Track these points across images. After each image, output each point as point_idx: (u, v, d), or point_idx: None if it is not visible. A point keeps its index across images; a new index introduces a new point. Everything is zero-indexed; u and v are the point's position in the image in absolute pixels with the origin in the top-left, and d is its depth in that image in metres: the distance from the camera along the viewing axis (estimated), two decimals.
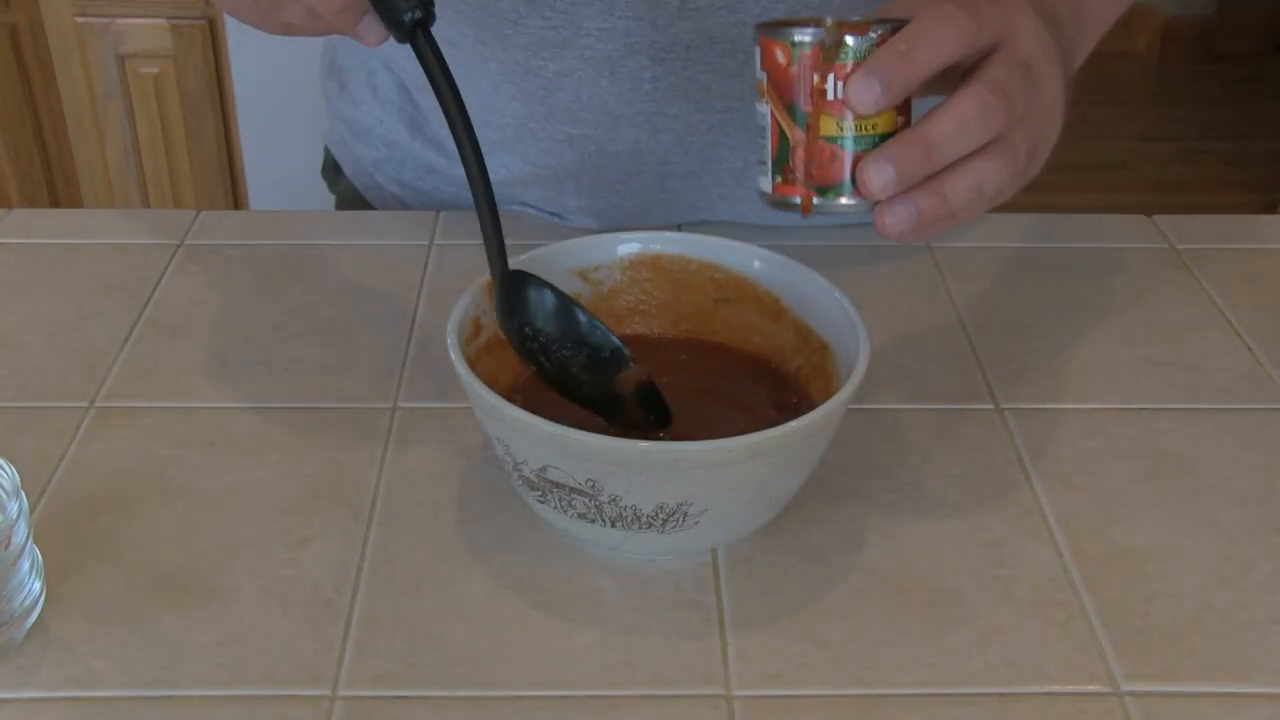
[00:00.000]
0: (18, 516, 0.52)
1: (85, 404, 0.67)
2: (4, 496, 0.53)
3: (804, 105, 0.53)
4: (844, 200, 0.53)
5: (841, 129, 0.52)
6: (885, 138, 0.53)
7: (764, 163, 0.55)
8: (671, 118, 0.76)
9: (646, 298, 0.65)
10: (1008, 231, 0.84)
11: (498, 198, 0.60)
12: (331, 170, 0.95)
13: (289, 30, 0.60)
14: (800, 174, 0.54)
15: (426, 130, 0.85)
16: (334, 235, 0.82)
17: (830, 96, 0.52)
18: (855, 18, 0.54)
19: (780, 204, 0.55)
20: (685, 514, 0.53)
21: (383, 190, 0.90)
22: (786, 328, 0.63)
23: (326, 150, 0.95)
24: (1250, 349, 0.73)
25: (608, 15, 0.71)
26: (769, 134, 0.54)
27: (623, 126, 0.76)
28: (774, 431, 0.52)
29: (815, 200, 0.54)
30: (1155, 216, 0.86)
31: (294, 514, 0.60)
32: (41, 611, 0.54)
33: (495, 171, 0.79)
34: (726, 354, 0.64)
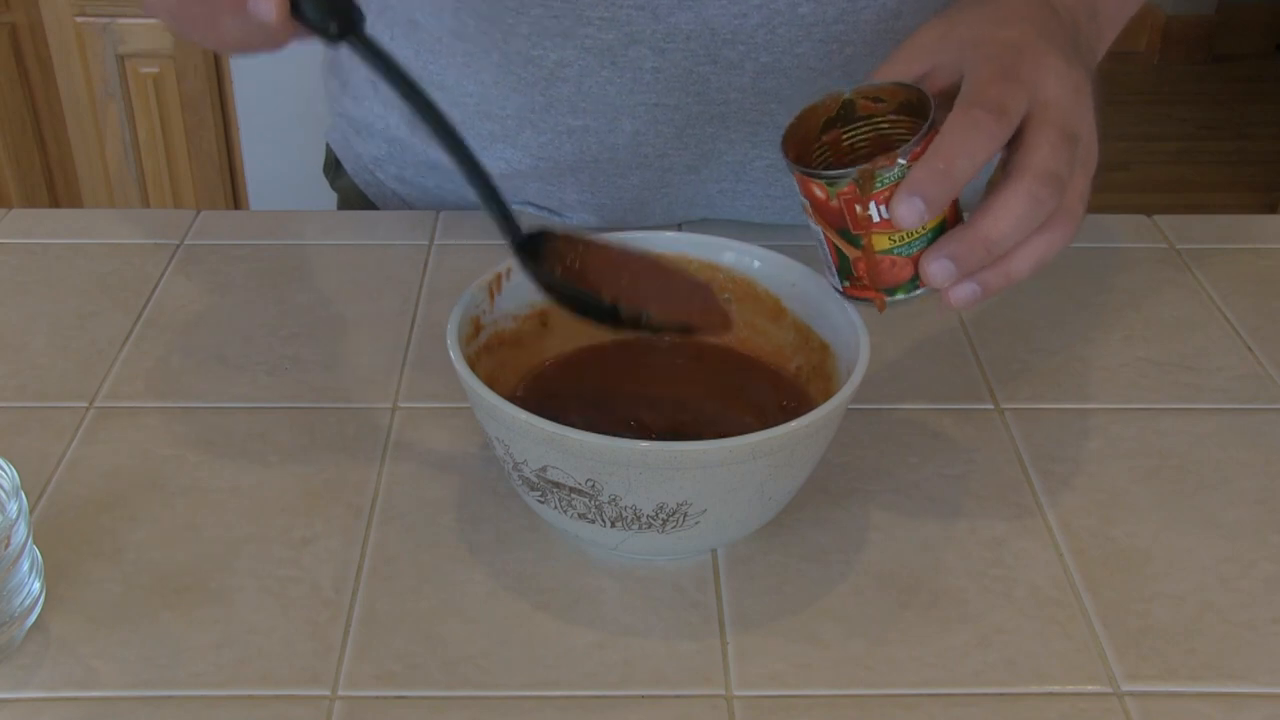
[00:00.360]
0: (18, 516, 0.52)
1: (85, 404, 0.67)
2: (4, 496, 0.53)
3: (853, 229, 0.55)
4: (917, 294, 0.56)
5: (894, 240, 0.54)
6: (941, 228, 0.55)
7: (829, 268, 0.57)
8: (671, 109, 0.76)
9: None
10: None
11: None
12: (333, 167, 0.95)
13: (223, 47, 0.62)
14: (867, 280, 0.56)
15: None
16: (334, 235, 0.82)
17: (877, 220, 0.54)
18: (873, 85, 0.57)
19: (855, 302, 0.58)
20: (685, 514, 0.53)
21: (384, 187, 0.90)
22: (786, 328, 0.63)
23: (328, 147, 0.95)
24: (1250, 349, 0.73)
25: (609, 4, 0.71)
26: (826, 248, 0.57)
27: (622, 118, 0.76)
28: (774, 431, 0.52)
29: (887, 299, 0.56)
30: (1155, 216, 0.86)
31: (294, 514, 0.60)
32: (41, 611, 0.54)
33: (495, 165, 0.79)
34: (726, 355, 0.64)
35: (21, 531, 0.52)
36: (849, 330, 0.58)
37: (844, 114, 0.58)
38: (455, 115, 0.67)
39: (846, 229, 0.55)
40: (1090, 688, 0.53)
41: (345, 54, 0.88)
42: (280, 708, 0.51)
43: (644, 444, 0.51)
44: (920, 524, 0.60)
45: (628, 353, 0.64)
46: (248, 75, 1.91)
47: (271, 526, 0.59)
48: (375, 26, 0.68)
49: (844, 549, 0.59)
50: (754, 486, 0.54)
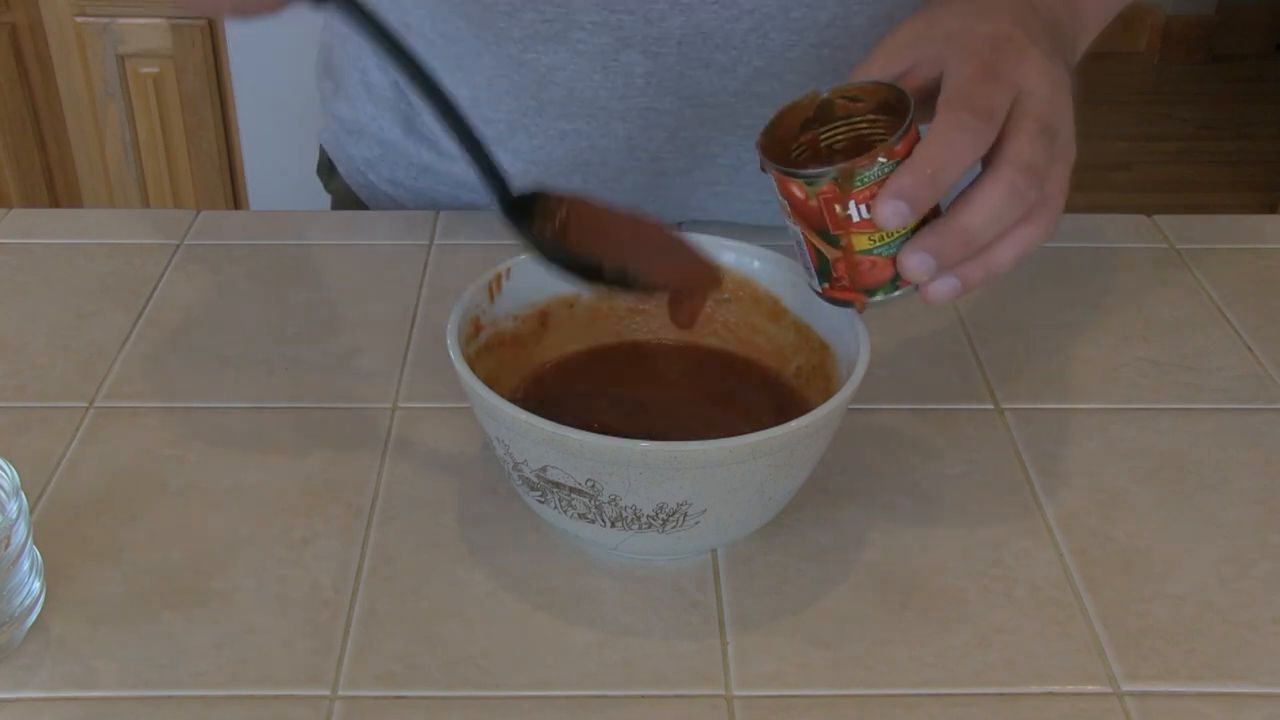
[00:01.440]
0: (18, 516, 0.52)
1: (85, 404, 0.67)
2: (4, 496, 0.53)
3: (833, 229, 0.54)
4: (896, 294, 0.55)
5: (874, 240, 0.54)
6: (918, 227, 0.54)
7: (808, 269, 0.57)
8: (663, 113, 0.76)
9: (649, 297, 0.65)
10: None
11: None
12: (326, 169, 0.95)
13: (220, 10, 0.61)
14: (847, 282, 0.55)
15: (420, 128, 0.85)
16: (334, 235, 0.82)
17: (857, 219, 0.53)
18: (851, 84, 0.56)
19: (835, 304, 0.57)
20: (685, 514, 0.53)
21: (375, 189, 0.90)
22: (786, 328, 0.63)
23: (321, 149, 0.95)
24: (1250, 349, 0.73)
25: (601, 9, 0.71)
26: (805, 248, 0.56)
27: (615, 122, 0.76)
28: (773, 432, 0.52)
29: (867, 300, 0.56)
30: (1155, 216, 0.86)
31: (294, 514, 0.60)
32: (41, 611, 0.54)
33: None
34: (726, 356, 0.64)
35: (21, 531, 0.52)
36: (849, 330, 0.58)
37: (822, 114, 0.58)
38: None
39: (826, 229, 0.54)
40: (1090, 688, 0.53)
41: (338, 56, 0.88)
42: (280, 708, 0.51)
43: (643, 444, 0.51)
44: (920, 524, 0.60)
45: (629, 353, 0.64)
46: (248, 75, 1.91)
47: (271, 526, 0.59)
48: None
49: (844, 549, 0.59)
50: (754, 487, 0.54)
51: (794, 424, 0.52)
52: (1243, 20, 3.36)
